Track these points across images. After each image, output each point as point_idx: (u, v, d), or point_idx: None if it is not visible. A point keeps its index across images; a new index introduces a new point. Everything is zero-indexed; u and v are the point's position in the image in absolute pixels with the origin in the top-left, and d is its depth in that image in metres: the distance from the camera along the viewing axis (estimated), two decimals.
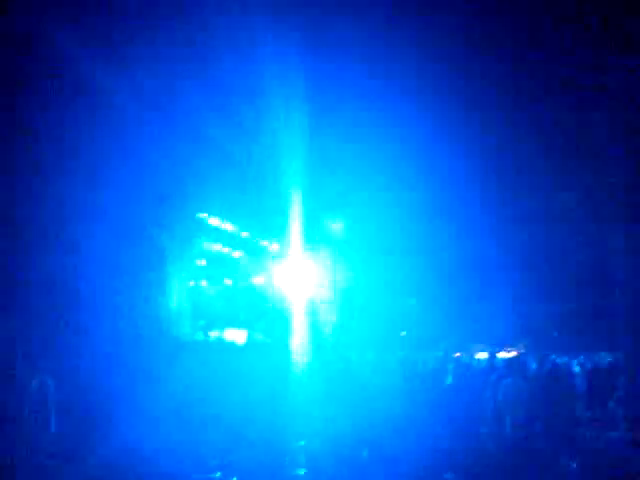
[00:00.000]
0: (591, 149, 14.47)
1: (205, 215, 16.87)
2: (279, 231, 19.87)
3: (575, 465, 6.79)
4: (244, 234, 19.43)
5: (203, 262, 18.48)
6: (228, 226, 18.85)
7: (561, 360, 13.70)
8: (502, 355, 18.10)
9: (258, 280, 21.13)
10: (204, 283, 17.95)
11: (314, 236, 19.56)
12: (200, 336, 13.10)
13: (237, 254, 19.93)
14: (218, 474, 5.98)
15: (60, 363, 8.36)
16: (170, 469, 6.07)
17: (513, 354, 18.40)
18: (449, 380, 11.59)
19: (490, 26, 12.63)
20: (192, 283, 14.22)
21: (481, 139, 15.82)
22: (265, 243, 20.05)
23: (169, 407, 7.70)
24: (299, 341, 18.47)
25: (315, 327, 19.16)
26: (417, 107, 14.03)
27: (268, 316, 19.46)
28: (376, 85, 13.22)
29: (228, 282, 20.86)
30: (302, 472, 6.24)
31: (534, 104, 14.37)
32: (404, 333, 20.76)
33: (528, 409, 8.64)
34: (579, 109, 13.74)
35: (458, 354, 19.78)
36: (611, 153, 13.35)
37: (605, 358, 13.23)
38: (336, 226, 20.01)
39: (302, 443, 7.41)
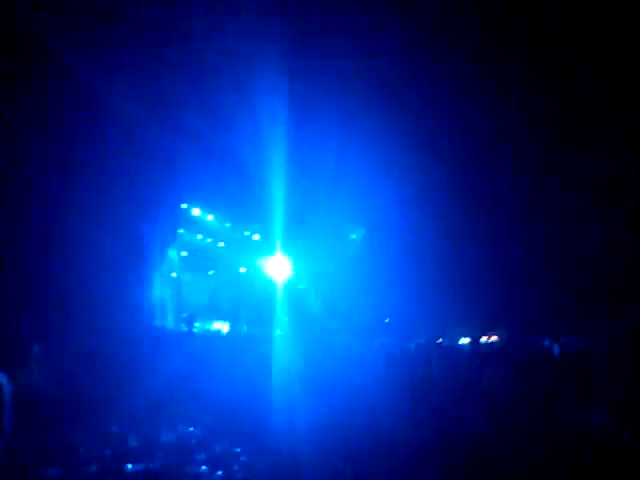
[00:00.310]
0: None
1: (187, 206, 16.78)
2: (263, 222, 19.87)
3: (555, 447, 6.92)
4: (226, 225, 19.35)
5: (185, 253, 18.43)
6: (210, 217, 18.76)
7: (542, 344, 13.95)
8: (484, 339, 18.40)
9: (242, 271, 21.11)
10: (186, 274, 17.89)
11: (298, 227, 19.59)
12: (183, 327, 13.07)
13: (220, 245, 19.87)
14: (204, 467, 5.99)
15: (35, 355, 8.31)
16: (151, 465, 6.07)
17: (494, 339, 18.71)
18: (431, 364, 11.74)
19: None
20: (174, 274, 14.14)
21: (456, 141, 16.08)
22: (248, 234, 19.99)
23: (149, 399, 7.69)
24: (283, 331, 18.55)
25: (299, 316, 19.23)
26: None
27: (252, 307, 19.48)
28: (354, 84, 13.29)
29: (211, 273, 20.82)
30: (286, 463, 6.30)
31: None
32: (387, 320, 20.92)
33: (511, 392, 8.81)
34: None
35: (440, 340, 20.03)
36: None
37: (584, 341, 13.46)
38: (320, 218, 20.04)
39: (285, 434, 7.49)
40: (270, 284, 20.07)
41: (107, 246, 10.98)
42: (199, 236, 19.03)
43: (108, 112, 11.29)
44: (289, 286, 19.99)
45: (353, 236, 21.17)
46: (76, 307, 9.93)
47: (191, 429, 7.55)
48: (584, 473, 5.78)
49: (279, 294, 20.22)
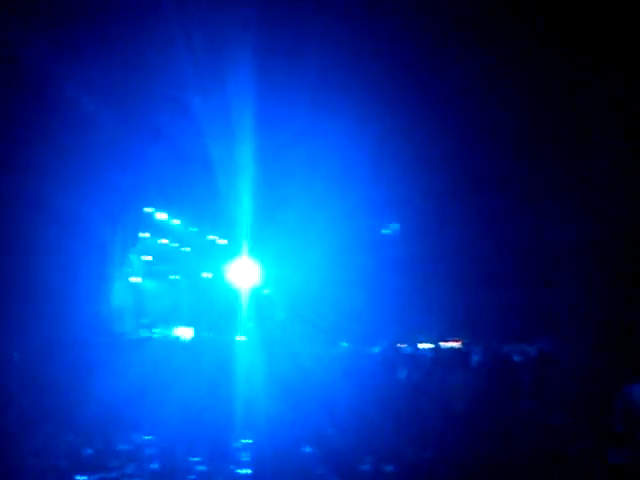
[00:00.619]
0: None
1: (151, 210, 16.51)
2: (229, 227, 19.72)
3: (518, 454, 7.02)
4: (192, 229, 19.14)
5: (148, 258, 18.12)
6: (176, 222, 18.53)
7: (504, 349, 14.14)
8: (446, 345, 18.59)
9: (206, 276, 20.88)
10: (149, 279, 17.59)
11: (261, 231, 19.51)
12: (144, 333, 12.79)
13: (185, 250, 19.64)
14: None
15: None
16: (107, 475, 5.90)
17: (457, 344, 18.94)
18: (394, 371, 11.75)
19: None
20: (136, 279, 13.87)
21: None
22: (214, 239, 19.79)
23: (105, 407, 7.47)
24: (247, 336, 18.39)
25: (264, 322, 19.11)
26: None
27: (216, 312, 19.26)
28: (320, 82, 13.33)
29: (174, 278, 20.54)
30: (245, 471, 6.22)
31: None
32: (352, 325, 20.97)
33: (473, 398, 8.88)
34: None
35: (403, 345, 20.18)
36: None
37: (546, 347, 13.68)
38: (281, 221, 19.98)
39: (245, 440, 7.40)
40: (235, 290, 19.91)
41: (66, 249, 10.70)
42: (163, 240, 18.75)
43: (69, 112, 11.03)
44: (255, 292, 19.87)
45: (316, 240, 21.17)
46: (31, 311, 9.61)
47: (148, 438, 7.38)
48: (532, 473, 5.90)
49: (244, 300, 20.09)
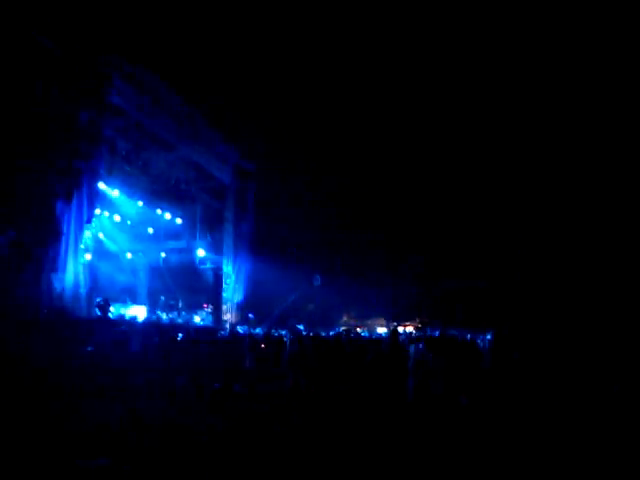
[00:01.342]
0: None
1: (105, 186, 16.06)
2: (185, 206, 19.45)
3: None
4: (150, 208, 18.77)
5: (102, 235, 17.67)
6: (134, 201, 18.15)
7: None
8: (400, 329, 19.04)
9: (163, 255, 20.58)
10: (103, 257, 17.17)
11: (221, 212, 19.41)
12: (97, 312, 12.49)
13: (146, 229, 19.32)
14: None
15: None
16: None
17: (410, 328, 19.43)
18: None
19: None
20: (89, 257, 13.49)
21: None
22: (170, 217, 19.46)
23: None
24: (204, 318, 18.28)
25: (218, 303, 19.05)
26: None
27: (172, 292, 19.05)
28: None
29: (129, 257, 20.13)
30: None
31: None
32: (311, 307, 21.21)
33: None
34: None
35: (359, 328, 20.56)
36: None
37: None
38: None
39: None
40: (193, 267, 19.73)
41: (18, 225, 10.31)
42: (117, 217, 18.31)
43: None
44: (213, 270, 19.76)
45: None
46: None
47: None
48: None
49: (203, 280, 19.92)
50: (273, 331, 15.00)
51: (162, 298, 17.85)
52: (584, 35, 15.91)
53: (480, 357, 10.25)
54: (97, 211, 14.46)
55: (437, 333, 14.23)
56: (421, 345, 9.68)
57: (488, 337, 11.58)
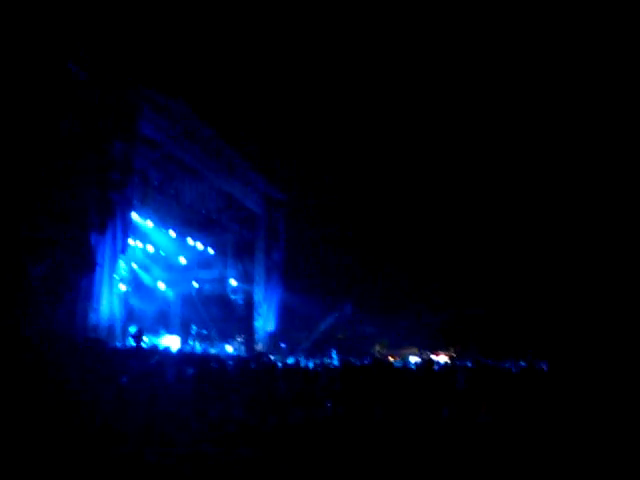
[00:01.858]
0: None
1: (138, 216, 16.26)
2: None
3: None
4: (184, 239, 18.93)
5: (135, 266, 17.82)
6: (163, 229, 18.31)
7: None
8: (434, 358, 18.56)
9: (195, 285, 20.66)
10: (137, 288, 17.28)
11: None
12: (131, 342, 12.49)
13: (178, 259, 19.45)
14: None
15: None
16: None
17: (444, 358, 18.93)
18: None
19: None
20: (123, 287, 13.58)
21: None
22: (202, 248, 19.58)
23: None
24: (237, 348, 18.15)
25: (250, 332, 18.92)
26: None
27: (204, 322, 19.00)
28: None
29: (162, 286, 20.23)
30: None
31: None
32: (342, 336, 20.89)
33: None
34: None
35: (392, 358, 20.14)
36: None
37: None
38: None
39: None
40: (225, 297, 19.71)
41: (54, 256, 10.42)
42: (150, 248, 18.50)
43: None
44: (244, 300, 19.70)
45: None
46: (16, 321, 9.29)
47: None
48: None
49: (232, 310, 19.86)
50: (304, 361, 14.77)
51: (194, 327, 17.78)
52: (584, 35, 15.69)
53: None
54: (131, 242, 14.60)
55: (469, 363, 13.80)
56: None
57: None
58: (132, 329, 13.07)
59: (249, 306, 19.39)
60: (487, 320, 20.31)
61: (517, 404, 8.27)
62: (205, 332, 18.33)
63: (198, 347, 16.47)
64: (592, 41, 15.79)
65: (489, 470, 6.30)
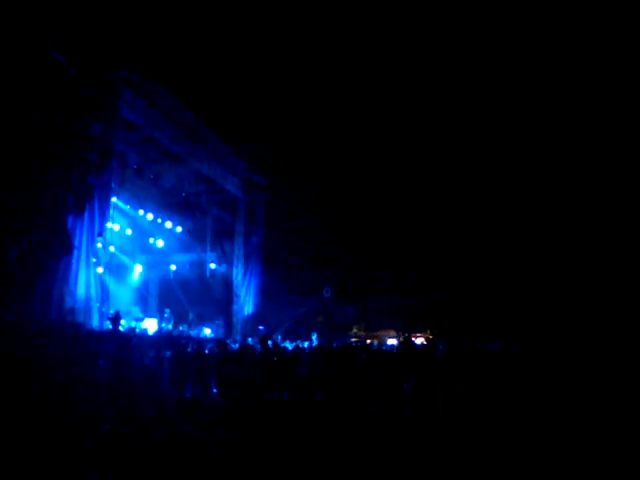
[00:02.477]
0: None
1: (116, 199, 16.16)
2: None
3: None
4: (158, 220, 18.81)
5: (112, 248, 17.73)
6: (142, 212, 18.21)
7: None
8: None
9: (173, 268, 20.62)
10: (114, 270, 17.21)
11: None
12: (108, 325, 12.51)
13: (151, 240, 19.32)
14: None
15: None
16: None
17: (420, 340, 19.27)
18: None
19: None
20: (101, 270, 13.54)
21: None
22: (181, 230, 19.51)
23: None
24: (215, 330, 18.26)
25: (229, 315, 19.04)
26: None
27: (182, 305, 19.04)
28: None
29: (140, 269, 20.17)
30: None
31: None
32: (321, 319, 21.11)
33: None
34: None
35: (369, 339, 20.44)
36: None
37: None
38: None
39: None
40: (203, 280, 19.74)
41: (30, 238, 10.38)
42: (128, 231, 18.42)
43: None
44: (223, 283, 19.75)
45: None
46: None
47: None
48: None
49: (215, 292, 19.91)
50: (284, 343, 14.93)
51: (167, 310, 17.76)
52: (584, 35, 15.90)
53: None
54: (109, 224, 14.54)
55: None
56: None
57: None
58: (109, 312, 13.07)
59: (228, 289, 19.47)
60: (464, 304, 20.69)
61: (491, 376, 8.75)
62: (183, 315, 18.39)
63: (176, 330, 16.53)
64: (592, 41, 15.94)
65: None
